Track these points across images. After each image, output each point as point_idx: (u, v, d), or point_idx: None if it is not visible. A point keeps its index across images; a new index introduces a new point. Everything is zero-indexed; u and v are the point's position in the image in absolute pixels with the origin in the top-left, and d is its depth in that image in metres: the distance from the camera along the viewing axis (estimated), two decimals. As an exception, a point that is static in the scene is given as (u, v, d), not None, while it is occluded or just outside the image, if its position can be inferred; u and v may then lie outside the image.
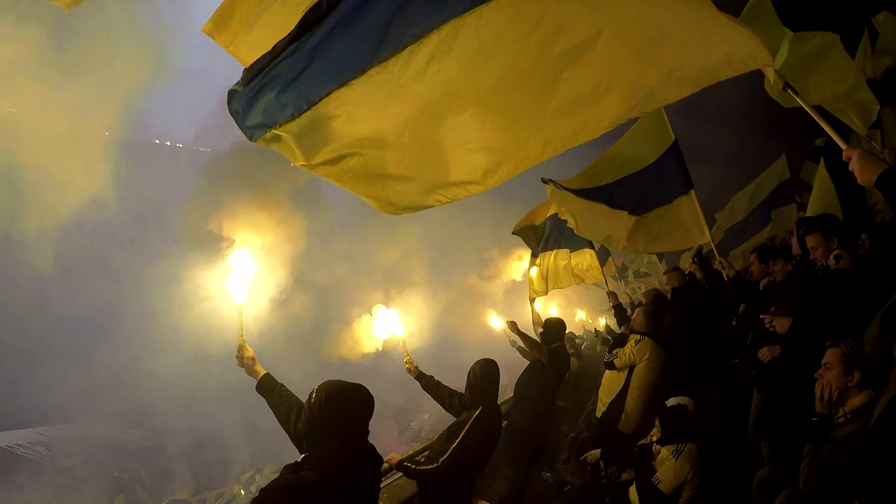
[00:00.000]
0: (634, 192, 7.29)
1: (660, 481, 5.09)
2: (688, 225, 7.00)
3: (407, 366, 5.98)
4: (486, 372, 5.54)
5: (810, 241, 4.73)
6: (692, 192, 6.94)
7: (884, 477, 2.36)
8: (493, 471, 8.00)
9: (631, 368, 6.83)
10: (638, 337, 6.91)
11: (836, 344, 3.75)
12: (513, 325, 8.52)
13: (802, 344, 4.47)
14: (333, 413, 3.23)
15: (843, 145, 2.79)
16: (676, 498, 5.06)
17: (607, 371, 7.08)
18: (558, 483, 6.69)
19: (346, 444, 3.25)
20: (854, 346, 3.66)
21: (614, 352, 6.86)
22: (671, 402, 5.64)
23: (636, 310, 7.41)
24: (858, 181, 2.67)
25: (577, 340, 12.19)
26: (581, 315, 14.02)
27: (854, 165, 2.66)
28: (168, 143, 44.12)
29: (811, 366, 3.87)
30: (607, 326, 10.14)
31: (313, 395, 3.32)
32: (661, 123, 7.07)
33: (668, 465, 5.13)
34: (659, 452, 5.30)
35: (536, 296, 10.30)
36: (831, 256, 4.55)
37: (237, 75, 3.41)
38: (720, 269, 6.34)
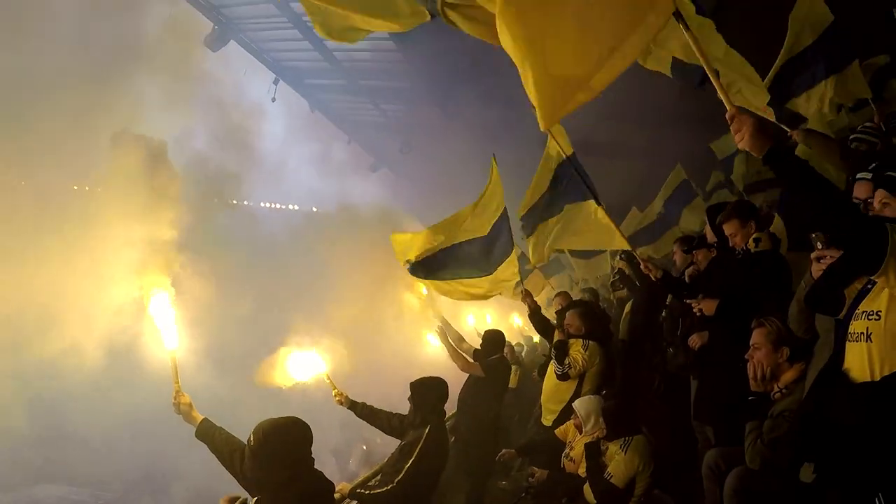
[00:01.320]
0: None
1: (612, 476, 5.16)
2: (597, 229, 6.95)
3: (337, 398, 5.96)
4: (432, 389, 5.56)
5: (728, 228, 4.92)
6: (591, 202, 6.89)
7: (825, 443, 2.49)
8: (449, 486, 7.98)
9: (581, 375, 6.64)
10: (583, 342, 6.73)
11: (761, 324, 3.92)
12: (441, 332, 8.36)
13: (730, 326, 4.64)
14: (277, 449, 3.33)
15: (729, 106, 2.71)
16: (630, 490, 5.16)
17: (550, 379, 6.91)
18: (514, 490, 6.71)
19: (298, 475, 3.34)
20: (779, 324, 3.84)
21: (566, 362, 6.60)
22: (579, 403, 5.82)
23: (567, 313, 7.35)
24: (741, 147, 2.64)
25: (515, 347, 12.27)
26: (518, 321, 14.03)
27: (744, 131, 2.60)
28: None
29: (741, 347, 4.04)
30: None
31: (252, 439, 3.40)
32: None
33: (618, 459, 5.20)
34: (607, 448, 5.39)
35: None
36: (750, 240, 4.75)
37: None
38: (646, 272, 6.42)
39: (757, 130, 2.58)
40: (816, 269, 2.99)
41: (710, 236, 6.10)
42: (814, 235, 2.98)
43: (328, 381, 5.94)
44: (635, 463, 5.15)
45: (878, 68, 6.88)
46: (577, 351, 6.63)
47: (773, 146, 2.55)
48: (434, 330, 8.61)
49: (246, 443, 3.48)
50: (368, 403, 6.05)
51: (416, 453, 5.17)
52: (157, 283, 4.44)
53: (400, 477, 5.08)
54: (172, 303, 4.41)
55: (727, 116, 2.68)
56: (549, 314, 8.41)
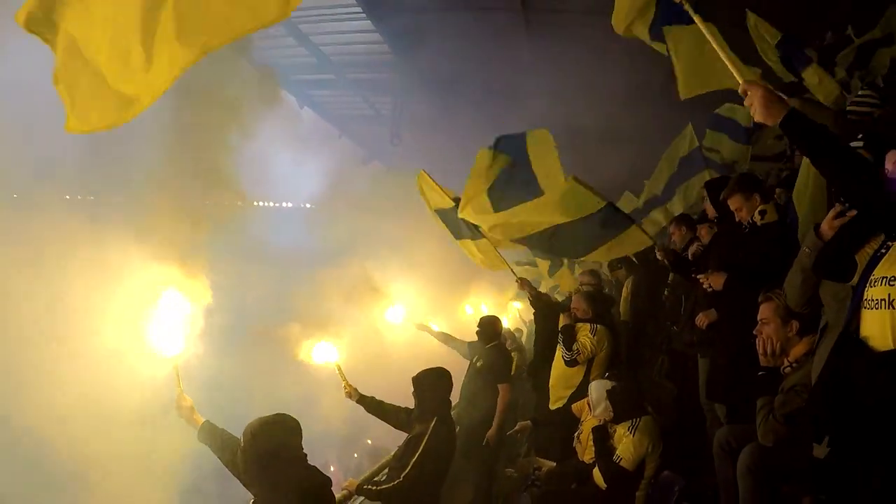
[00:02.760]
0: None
1: (622, 458, 5.12)
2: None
3: (346, 390, 5.87)
4: (436, 381, 5.49)
5: (733, 203, 4.85)
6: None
7: (847, 416, 2.43)
8: (457, 477, 7.95)
9: (589, 360, 6.60)
10: (591, 326, 6.67)
11: (769, 298, 3.85)
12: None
13: (739, 301, 4.58)
14: (266, 446, 3.37)
15: (740, 79, 2.71)
16: (640, 473, 5.12)
17: (558, 364, 6.85)
18: (523, 476, 6.67)
19: (291, 470, 3.37)
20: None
21: (574, 348, 6.55)
22: (593, 386, 5.73)
23: (574, 296, 7.30)
24: (757, 119, 2.57)
25: (515, 333, 12.21)
26: (517, 305, 13.89)
27: (756, 102, 2.53)
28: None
29: (750, 322, 3.99)
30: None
31: (242, 441, 3.47)
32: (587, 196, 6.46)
33: (626, 442, 5.16)
34: (615, 431, 5.36)
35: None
36: (756, 213, 4.70)
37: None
38: (661, 257, 6.29)
39: (768, 99, 2.51)
40: (827, 227, 2.94)
41: (711, 211, 6.04)
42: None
43: (339, 373, 5.86)
44: (644, 444, 5.11)
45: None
46: (586, 336, 6.58)
47: (788, 113, 2.45)
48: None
49: (240, 448, 3.52)
50: (377, 398, 5.98)
51: (422, 447, 5.11)
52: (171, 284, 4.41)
53: (407, 471, 5.02)
54: (182, 304, 4.37)
55: (740, 91, 2.64)
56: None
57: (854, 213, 2.78)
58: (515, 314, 13.97)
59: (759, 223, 4.67)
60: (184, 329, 4.28)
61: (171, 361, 4.26)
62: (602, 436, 5.38)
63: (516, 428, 6.52)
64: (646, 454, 5.12)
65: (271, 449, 3.36)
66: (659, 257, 6.16)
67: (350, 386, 5.85)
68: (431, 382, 5.48)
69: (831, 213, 2.94)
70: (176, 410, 4.24)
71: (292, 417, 3.54)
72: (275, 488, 3.31)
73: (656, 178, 11.24)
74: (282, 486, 3.30)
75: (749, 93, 2.58)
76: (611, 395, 5.46)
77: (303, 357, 5.87)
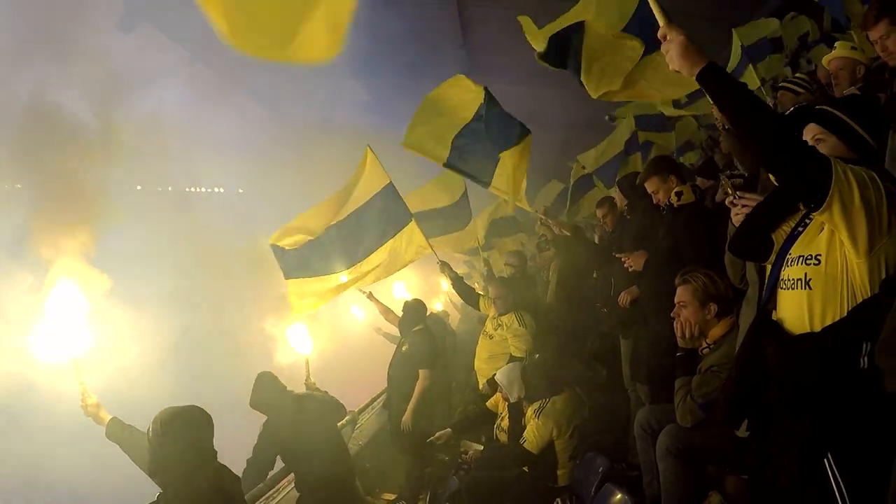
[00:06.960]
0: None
1: (526, 441, 5.23)
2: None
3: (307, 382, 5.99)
4: (262, 386, 5.51)
5: (649, 186, 4.85)
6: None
7: (762, 399, 2.40)
8: (390, 463, 7.93)
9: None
10: (517, 317, 6.79)
11: (686, 281, 3.83)
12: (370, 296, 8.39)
13: (658, 282, 4.59)
14: (175, 438, 3.25)
15: (662, 21, 2.40)
16: (553, 453, 5.23)
17: (482, 342, 7.05)
18: (453, 459, 6.67)
19: (202, 462, 3.29)
20: (706, 280, 3.76)
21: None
22: (500, 374, 5.79)
23: (490, 287, 7.40)
24: (672, 68, 2.36)
25: (441, 315, 11.84)
26: (444, 286, 13.13)
27: (673, 50, 2.33)
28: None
29: (669, 303, 3.99)
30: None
31: (150, 429, 3.33)
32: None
33: (531, 425, 5.28)
34: (526, 411, 5.46)
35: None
36: (672, 194, 4.71)
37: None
38: (559, 232, 6.36)
39: (686, 48, 2.30)
40: (736, 215, 2.79)
41: (620, 202, 6.25)
42: (722, 180, 2.82)
43: (306, 367, 6.00)
44: (549, 428, 5.21)
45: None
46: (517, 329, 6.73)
47: (706, 65, 2.26)
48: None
49: (147, 436, 3.38)
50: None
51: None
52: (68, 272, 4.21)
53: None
54: (78, 300, 4.16)
55: (659, 35, 2.41)
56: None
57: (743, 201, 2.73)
58: (445, 298, 13.55)
59: (675, 205, 4.68)
60: (83, 326, 4.10)
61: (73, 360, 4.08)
62: (516, 414, 5.54)
63: (436, 436, 6.41)
64: (552, 438, 5.21)
65: (184, 437, 3.26)
66: (556, 230, 6.27)
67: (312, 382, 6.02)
68: (259, 389, 5.50)
69: (726, 203, 2.86)
70: (82, 410, 4.08)
71: (204, 410, 3.43)
72: (185, 479, 3.20)
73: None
74: (192, 476, 3.20)
75: (668, 37, 2.37)
76: (523, 373, 5.59)
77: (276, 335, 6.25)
